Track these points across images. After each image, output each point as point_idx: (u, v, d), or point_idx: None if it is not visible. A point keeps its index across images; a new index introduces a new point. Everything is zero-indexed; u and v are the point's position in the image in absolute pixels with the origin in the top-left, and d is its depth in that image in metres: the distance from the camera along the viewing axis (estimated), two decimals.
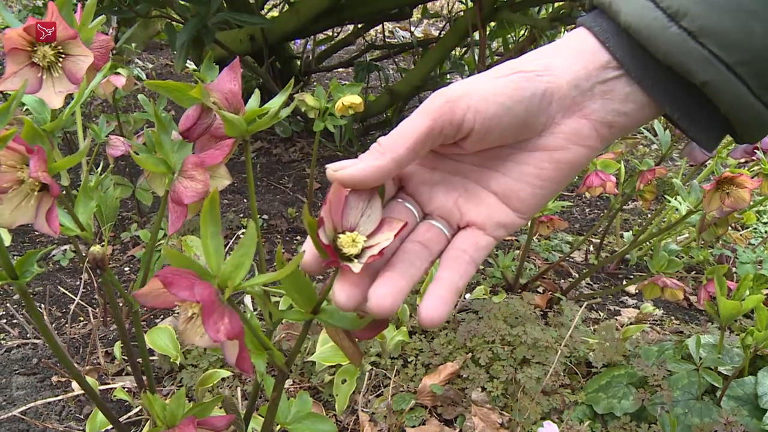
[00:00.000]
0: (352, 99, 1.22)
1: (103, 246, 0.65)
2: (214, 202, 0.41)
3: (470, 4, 1.60)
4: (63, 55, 0.59)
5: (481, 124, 0.40)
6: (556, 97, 0.41)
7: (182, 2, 1.81)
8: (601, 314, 1.32)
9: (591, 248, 1.56)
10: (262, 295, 0.48)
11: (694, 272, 1.51)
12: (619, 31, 0.41)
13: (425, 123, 0.39)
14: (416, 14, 2.81)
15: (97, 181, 0.87)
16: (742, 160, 1.28)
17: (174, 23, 1.88)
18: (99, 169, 0.89)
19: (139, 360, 0.83)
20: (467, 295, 1.27)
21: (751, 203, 1.32)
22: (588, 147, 0.42)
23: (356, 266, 0.37)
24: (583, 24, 0.43)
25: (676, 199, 1.07)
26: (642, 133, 2.13)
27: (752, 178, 0.90)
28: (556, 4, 1.63)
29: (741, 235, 1.65)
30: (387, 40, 3.71)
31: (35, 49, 0.58)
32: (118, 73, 1.30)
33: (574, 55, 0.42)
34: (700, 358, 0.95)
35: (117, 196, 1.07)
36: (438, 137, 0.40)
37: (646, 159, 1.18)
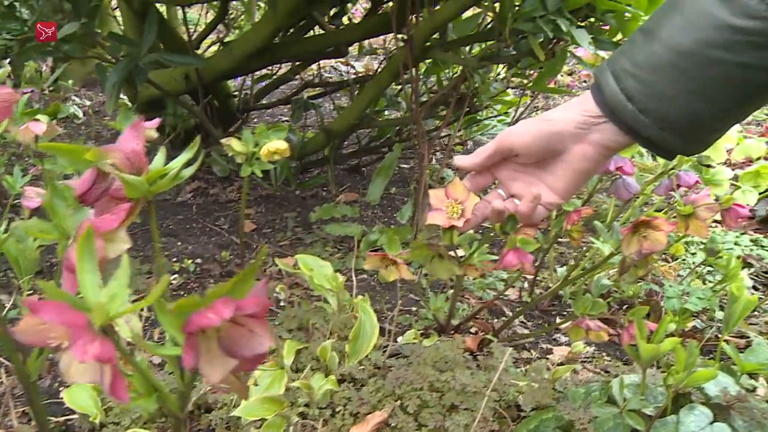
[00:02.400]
0: (277, 145, 1.21)
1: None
2: (90, 238, 0.44)
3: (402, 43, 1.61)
4: None
5: (520, 148, 0.73)
6: (566, 134, 0.71)
7: (113, 42, 1.79)
8: (534, 353, 1.32)
9: (525, 285, 1.57)
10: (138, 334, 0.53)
11: (626, 306, 1.53)
12: (605, 101, 0.68)
13: (493, 144, 0.75)
14: (354, 50, 2.83)
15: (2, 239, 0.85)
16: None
17: (105, 63, 1.85)
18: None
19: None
20: (399, 339, 1.26)
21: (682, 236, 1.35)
22: (594, 161, 0.72)
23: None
24: (590, 90, 0.71)
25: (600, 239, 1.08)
26: None
27: (668, 220, 0.92)
28: (485, 44, 1.66)
29: (670, 267, 1.68)
30: (328, 75, 3.73)
31: None
32: (38, 120, 1.27)
33: (580, 110, 0.70)
34: (625, 399, 0.95)
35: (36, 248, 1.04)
36: (500, 153, 0.74)
37: (572, 200, 1.20)
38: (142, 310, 1.37)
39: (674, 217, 1.02)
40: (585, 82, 2.80)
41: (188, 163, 0.64)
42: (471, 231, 0.94)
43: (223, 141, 1.30)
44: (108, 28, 2.73)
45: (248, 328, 0.51)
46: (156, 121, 0.97)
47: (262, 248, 0.52)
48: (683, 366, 0.87)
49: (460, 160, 0.79)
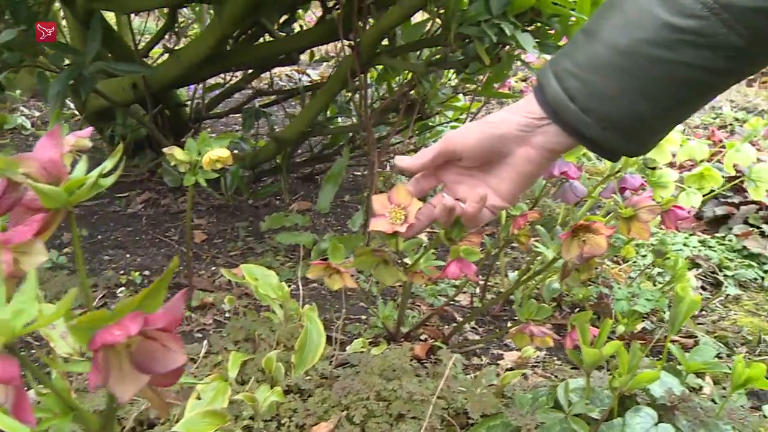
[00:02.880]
0: (219, 153, 1.19)
1: None
2: None
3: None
4: None
5: (464, 151, 0.72)
6: (509, 137, 0.70)
7: (55, 51, 1.75)
8: (485, 359, 1.31)
9: (477, 291, 1.57)
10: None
11: (578, 309, 1.53)
12: (547, 101, 0.68)
13: (437, 147, 0.73)
14: (306, 57, 2.81)
15: None
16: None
17: (48, 72, 1.80)
18: None
19: None
20: (347, 348, 1.25)
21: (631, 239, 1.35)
22: (538, 164, 0.71)
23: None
24: (533, 91, 0.70)
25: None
26: None
27: (607, 224, 0.91)
28: (432, 50, 1.65)
29: (620, 269, 1.68)
30: (283, 84, 3.70)
31: None
32: None
33: (523, 112, 0.70)
34: (570, 404, 0.95)
35: None
36: (444, 155, 0.73)
37: (519, 204, 1.19)
38: None
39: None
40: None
41: (110, 172, 0.62)
42: (419, 236, 0.93)
43: (165, 150, 1.27)
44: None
45: (161, 343, 0.48)
46: (89, 130, 0.94)
47: (174, 260, 0.49)
48: (626, 368, 0.86)
49: (400, 161, 0.77)
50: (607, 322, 0.86)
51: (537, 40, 1.42)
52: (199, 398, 1.05)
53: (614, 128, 0.65)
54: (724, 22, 0.59)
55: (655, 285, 1.63)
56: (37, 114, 3.30)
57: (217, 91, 2.58)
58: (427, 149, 0.75)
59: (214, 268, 1.71)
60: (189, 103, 2.47)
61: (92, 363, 0.45)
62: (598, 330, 0.91)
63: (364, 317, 1.45)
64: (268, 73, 2.46)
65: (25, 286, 0.42)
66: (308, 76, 3.32)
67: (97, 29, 1.68)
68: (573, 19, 1.39)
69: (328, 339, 1.23)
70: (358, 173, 2.54)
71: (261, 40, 2.16)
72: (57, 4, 2.06)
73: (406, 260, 1.05)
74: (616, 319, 1.36)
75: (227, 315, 1.44)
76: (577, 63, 0.66)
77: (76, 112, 2.86)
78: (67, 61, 1.73)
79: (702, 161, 1.44)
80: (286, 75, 3.73)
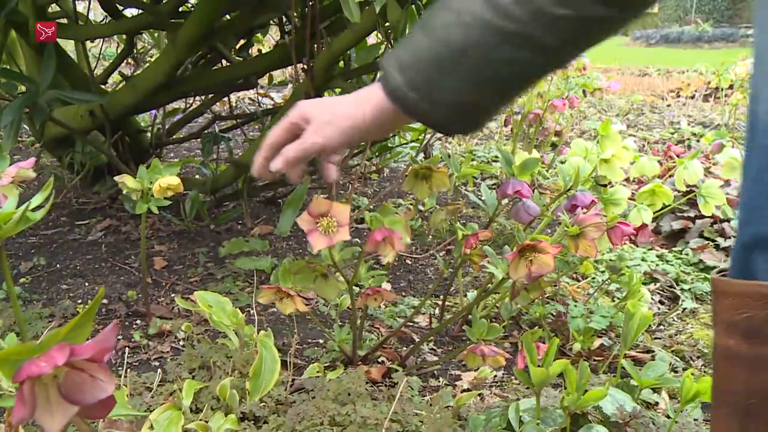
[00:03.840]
0: (169, 180, 1.19)
1: None
2: None
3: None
4: None
5: (331, 151, 0.85)
6: (366, 127, 0.79)
7: (8, 80, 1.74)
8: (442, 380, 1.31)
9: (436, 311, 1.57)
10: None
11: (536, 327, 1.54)
12: (390, 90, 0.76)
13: (292, 119, 0.84)
14: (265, 81, 2.81)
15: None
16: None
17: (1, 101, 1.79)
18: None
19: None
20: (304, 372, 1.24)
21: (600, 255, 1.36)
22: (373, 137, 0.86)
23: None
24: (384, 77, 0.77)
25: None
26: (469, 200, 2.18)
27: (557, 242, 0.92)
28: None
29: (578, 286, 1.70)
30: (247, 108, 3.70)
31: None
32: None
33: (372, 103, 0.78)
34: (522, 423, 0.95)
35: None
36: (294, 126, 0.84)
37: (470, 223, 1.20)
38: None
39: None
40: None
41: (39, 206, 0.61)
42: (350, 246, 0.94)
43: (116, 178, 1.27)
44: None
45: (89, 373, 0.48)
46: (31, 161, 0.93)
47: (101, 290, 0.49)
48: (575, 387, 0.87)
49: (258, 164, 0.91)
50: (554, 341, 0.86)
51: None
52: (152, 428, 1.04)
53: (449, 112, 0.76)
54: (541, 25, 0.69)
55: (613, 301, 1.64)
56: None
57: (178, 116, 2.57)
58: (294, 155, 0.84)
59: (173, 295, 1.69)
60: (150, 128, 2.46)
61: (17, 395, 0.45)
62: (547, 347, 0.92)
63: (322, 341, 1.45)
64: (227, 97, 2.47)
65: None
66: (272, 99, 3.33)
67: (51, 57, 1.67)
68: None
69: (285, 364, 1.22)
70: (322, 196, 2.54)
71: (219, 65, 2.17)
72: (13, 33, 2.05)
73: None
74: (572, 337, 1.37)
75: (184, 343, 1.43)
76: (415, 56, 0.74)
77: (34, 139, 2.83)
78: (21, 89, 1.72)
79: (654, 177, 1.47)
80: (249, 99, 3.73)
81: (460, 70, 0.73)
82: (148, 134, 2.43)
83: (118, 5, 1.92)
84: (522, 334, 1.50)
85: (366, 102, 0.79)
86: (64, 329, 0.44)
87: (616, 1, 0.69)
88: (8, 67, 2.66)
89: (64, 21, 2.09)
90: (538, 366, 0.87)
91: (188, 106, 2.80)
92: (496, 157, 3.18)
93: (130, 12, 2.17)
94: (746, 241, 0.64)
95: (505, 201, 1.35)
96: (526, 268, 0.92)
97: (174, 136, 2.57)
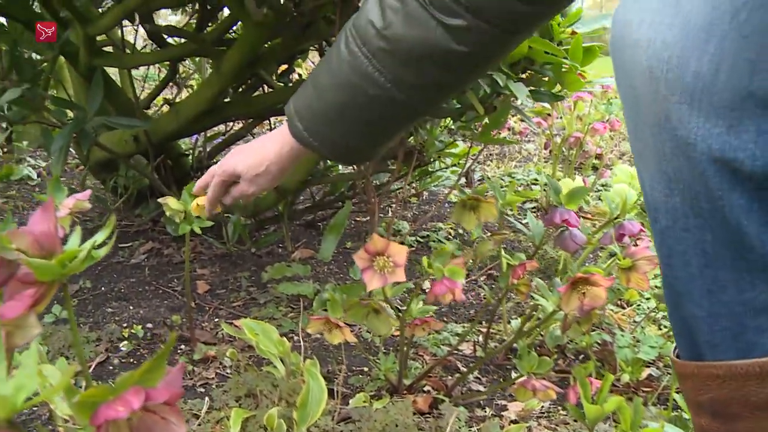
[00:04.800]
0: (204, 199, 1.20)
1: None
2: None
3: None
4: None
5: (241, 173, 1.01)
6: (275, 164, 0.96)
7: (58, 107, 1.77)
8: (489, 411, 1.30)
9: (480, 339, 1.56)
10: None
11: (582, 356, 1.52)
12: (293, 133, 0.93)
13: (222, 175, 1.04)
14: None
15: None
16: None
17: (51, 127, 1.83)
18: None
19: None
20: (350, 401, 1.24)
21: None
22: (287, 171, 0.99)
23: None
24: (288, 121, 0.94)
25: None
26: (513, 226, 2.17)
27: (607, 276, 0.91)
28: None
29: (624, 314, 1.68)
30: None
31: None
32: None
33: (285, 144, 0.95)
34: None
35: None
36: (229, 178, 1.04)
37: (518, 254, 1.19)
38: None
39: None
40: (538, 127, 2.86)
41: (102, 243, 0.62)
42: (405, 281, 0.94)
43: (160, 200, 1.29)
44: (64, 93, 2.71)
45: (161, 416, 0.49)
46: (87, 193, 0.95)
47: (172, 335, 0.50)
48: (629, 425, 0.86)
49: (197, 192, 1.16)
50: (608, 377, 0.85)
51: (530, 87, 1.44)
52: None
53: (341, 153, 0.93)
54: (401, 90, 0.83)
55: (660, 329, 1.62)
56: (42, 164, 3.33)
57: (219, 140, 2.60)
58: (214, 178, 1.06)
59: (216, 320, 1.71)
60: (191, 152, 2.49)
61: None
62: (600, 382, 0.91)
63: (366, 369, 1.44)
64: (270, 120, 2.49)
65: (26, 360, 0.43)
66: None
67: (99, 85, 1.70)
68: (566, 66, 1.41)
69: (331, 392, 1.22)
70: (361, 219, 2.54)
71: (260, 90, 2.19)
72: (62, 59, 2.10)
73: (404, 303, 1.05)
74: (620, 367, 1.35)
75: (230, 370, 1.43)
76: (308, 108, 0.90)
77: (80, 162, 2.89)
78: (69, 115, 1.75)
79: None
80: (288, 122, 3.76)
81: (344, 123, 0.88)
82: (190, 157, 2.46)
83: (164, 35, 1.96)
84: (567, 363, 1.49)
85: (281, 144, 0.95)
86: (137, 372, 0.44)
87: (461, 69, 0.83)
88: (55, 92, 2.72)
89: (110, 49, 2.14)
90: (592, 402, 0.85)
91: (228, 129, 2.83)
92: (536, 179, 3.17)
93: (173, 38, 2.21)
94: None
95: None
96: (578, 300, 0.91)
97: (215, 159, 2.60)
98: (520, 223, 2.23)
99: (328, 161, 2.17)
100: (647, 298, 1.78)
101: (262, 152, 0.97)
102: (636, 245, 1.25)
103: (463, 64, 0.82)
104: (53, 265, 0.57)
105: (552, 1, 0.79)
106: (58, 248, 0.59)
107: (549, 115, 2.77)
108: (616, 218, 1.27)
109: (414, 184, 2.21)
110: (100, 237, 0.64)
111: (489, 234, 1.29)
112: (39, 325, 0.62)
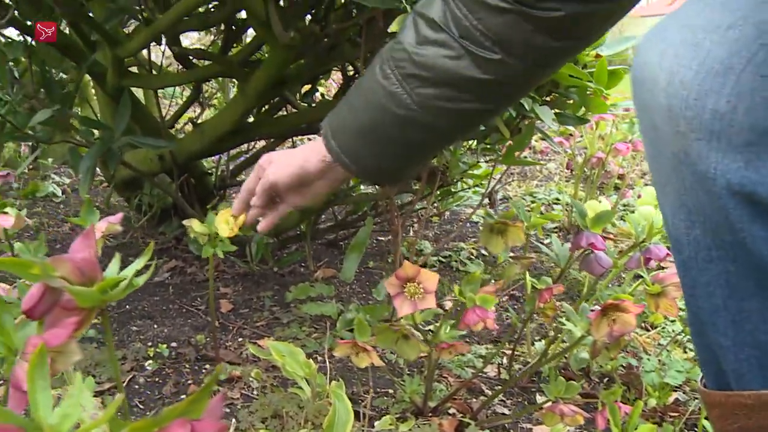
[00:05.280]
0: (238, 221, 1.20)
1: None
2: (42, 357, 0.44)
3: None
4: None
5: (281, 186, 1.00)
6: (312, 175, 0.97)
7: (85, 127, 1.80)
8: None
9: (504, 360, 1.55)
10: None
11: (606, 379, 1.51)
12: (329, 151, 0.93)
13: (265, 186, 1.02)
14: None
15: None
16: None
17: (78, 146, 1.85)
18: None
19: None
20: (375, 423, 1.24)
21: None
22: (328, 188, 1.00)
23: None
24: (323, 139, 0.95)
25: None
26: (537, 248, 2.16)
27: (637, 303, 0.91)
28: None
29: (649, 336, 1.67)
30: None
31: None
32: (6, 213, 1.26)
33: (319, 159, 0.95)
34: None
35: None
36: (269, 190, 1.03)
37: (544, 277, 1.19)
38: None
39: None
40: (559, 147, 2.86)
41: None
42: (434, 307, 0.95)
43: (185, 222, 1.30)
44: (88, 112, 2.74)
45: None
46: (119, 216, 0.96)
47: (218, 368, 0.51)
48: None
49: (236, 208, 1.14)
50: (638, 404, 0.85)
51: (555, 110, 1.44)
52: None
53: (373, 173, 0.94)
54: (429, 113, 0.84)
55: (686, 352, 1.60)
56: (67, 181, 3.37)
57: (242, 158, 2.62)
58: (255, 186, 1.06)
59: (240, 339, 1.71)
60: (214, 171, 2.51)
61: None
62: (628, 407, 0.91)
63: (390, 391, 1.44)
64: (292, 140, 2.51)
65: (72, 390, 0.44)
66: None
67: (126, 106, 1.72)
68: (591, 89, 1.41)
69: (356, 414, 1.22)
70: (383, 239, 2.55)
71: (284, 110, 2.21)
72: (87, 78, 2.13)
73: (430, 327, 1.05)
74: (646, 391, 1.35)
75: (255, 393, 1.44)
76: (342, 127, 0.92)
77: (104, 179, 2.92)
78: (96, 134, 1.78)
79: None
80: (308, 139, 3.79)
81: (375, 144, 0.90)
82: (213, 176, 2.48)
83: (190, 57, 1.98)
84: (591, 386, 1.48)
85: (312, 153, 0.97)
86: (182, 404, 0.45)
87: (488, 98, 0.84)
88: (79, 110, 2.76)
89: (136, 70, 2.17)
90: (622, 429, 0.85)
91: (250, 148, 2.85)
92: (557, 199, 3.16)
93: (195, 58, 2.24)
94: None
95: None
96: (608, 326, 0.91)
97: (237, 178, 2.62)
98: (542, 243, 2.22)
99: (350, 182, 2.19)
100: (672, 321, 1.77)
101: (297, 150, 1.01)
102: (661, 269, 1.25)
103: (491, 94, 0.83)
104: (95, 292, 0.58)
105: (579, 35, 0.79)
106: (98, 275, 0.60)
107: (571, 135, 2.77)
108: (642, 242, 1.26)
109: (436, 204, 2.21)
110: (139, 263, 0.65)
111: (515, 256, 1.29)
112: (79, 351, 0.63)
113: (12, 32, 1.89)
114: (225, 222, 1.18)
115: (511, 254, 1.80)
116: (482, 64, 0.79)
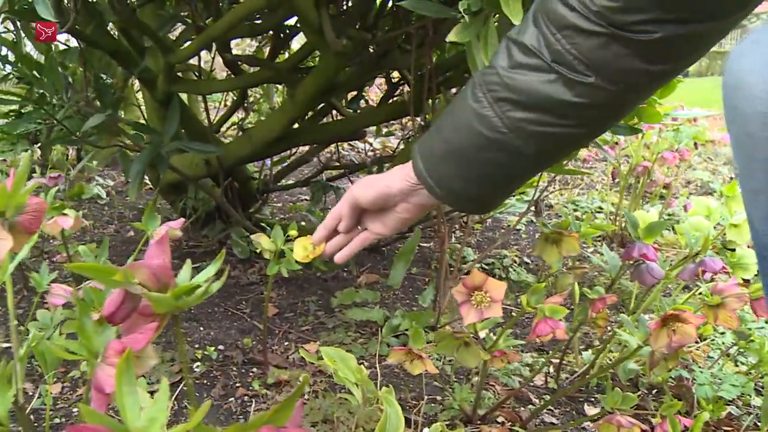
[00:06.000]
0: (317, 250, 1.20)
1: None
2: (129, 362, 0.46)
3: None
4: None
5: (365, 203, 0.97)
6: (396, 196, 0.95)
7: (135, 131, 1.83)
8: None
9: (551, 369, 1.55)
10: None
11: (655, 390, 1.50)
12: (416, 174, 0.91)
13: (347, 203, 0.99)
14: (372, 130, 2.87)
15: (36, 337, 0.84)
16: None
17: (128, 151, 1.88)
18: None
19: None
20: (425, 430, 1.24)
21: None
22: (413, 213, 0.97)
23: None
24: (412, 161, 0.92)
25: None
26: (588, 258, 2.15)
27: (696, 313, 0.90)
28: None
29: (698, 348, 1.65)
30: (345, 152, 3.78)
31: None
32: (65, 214, 1.29)
33: (405, 178, 0.93)
34: None
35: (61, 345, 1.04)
36: (353, 207, 0.99)
37: (597, 287, 1.19)
38: None
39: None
40: (605, 156, 2.83)
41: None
42: (500, 315, 0.94)
43: (253, 237, 1.32)
44: (132, 116, 2.79)
45: None
46: (180, 221, 0.98)
47: (305, 378, 0.52)
48: None
49: (318, 235, 1.06)
50: (700, 417, 0.84)
51: None
52: None
53: (459, 199, 0.91)
54: (519, 137, 0.82)
55: (736, 365, 1.58)
56: (111, 183, 3.42)
57: (285, 164, 2.64)
58: (342, 208, 1.02)
59: (286, 343, 1.73)
60: (257, 175, 2.54)
61: None
62: (688, 421, 0.90)
63: (438, 398, 1.44)
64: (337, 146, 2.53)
65: (159, 395, 0.45)
66: (371, 145, 3.40)
67: (176, 110, 1.75)
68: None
69: (406, 421, 1.22)
70: (425, 245, 2.55)
71: (330, 116, 2.22)
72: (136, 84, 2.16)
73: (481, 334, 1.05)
74: (698, 404, 1.33)
75: (304, 394, 1.45)
76: (429, 149, 0.91)
77: (148, 182, 2.96)
78: (145, 138, 1.81)
79: None
80: (349, 146, 3.81)
81: (461, 166, 0.88)
82: (256, 181, 2.50)
83: (238, 63, 2.01)
84: (640, 398, 1.46)
85: (399, 174, 0.96)
86: (269, 413, 0.46)
87: (580, 122, 0.82)
88: (122, 113, 2.80)
89: (182, 74, 2.20)
90: None
91: (293, 153, 2.87)
92: (600, 207, 3.14)
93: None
94: None
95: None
96: (667, 337, 0.90)
97: (279, 183, 2.64)
98: (587, 252, 2.21)
99: None
100: (721, 333, 1.74)
101: (387, 173, 0.99)
102: (713, 280, 1.24)
103: (583, 118, 0.81)
104: (169, 298, 0.59)
105: (676, 58, 0.77)
106: (172, 281, 0.62)
107: (616, 143, 2.74)
108: (696, 255, 1.25)
109: None
110: (211, 270, 0.66)
111: (567, 266, 1.29)
112: (156, 356, 0.64)
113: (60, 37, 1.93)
114: (303, 248, 1.18)
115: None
116: (575, 87, 0.78)
